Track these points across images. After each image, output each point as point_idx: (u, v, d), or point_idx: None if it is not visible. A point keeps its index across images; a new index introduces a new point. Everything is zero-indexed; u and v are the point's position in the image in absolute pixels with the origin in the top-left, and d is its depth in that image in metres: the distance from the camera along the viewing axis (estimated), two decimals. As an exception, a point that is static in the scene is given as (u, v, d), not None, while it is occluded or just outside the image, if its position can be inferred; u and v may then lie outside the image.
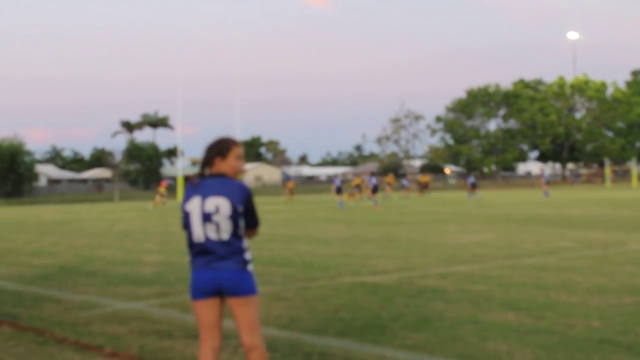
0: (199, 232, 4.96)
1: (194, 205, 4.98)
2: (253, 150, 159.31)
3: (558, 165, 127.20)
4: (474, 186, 54.28)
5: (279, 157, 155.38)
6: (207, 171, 5.10)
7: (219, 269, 4.94)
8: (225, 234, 4.95)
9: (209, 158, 5.08)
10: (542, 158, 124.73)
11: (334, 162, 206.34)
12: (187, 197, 5.04)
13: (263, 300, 9.54)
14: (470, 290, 10.10)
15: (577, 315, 8.24)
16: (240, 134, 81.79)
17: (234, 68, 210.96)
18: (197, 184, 5.03)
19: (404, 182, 64.98)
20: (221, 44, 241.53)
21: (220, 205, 4.95)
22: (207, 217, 4.94)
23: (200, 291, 4.97)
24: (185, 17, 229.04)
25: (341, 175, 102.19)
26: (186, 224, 5.04)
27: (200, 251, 4.97)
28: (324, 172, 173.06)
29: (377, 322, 8.20)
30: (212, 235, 4.94)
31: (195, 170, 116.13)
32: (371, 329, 7.91)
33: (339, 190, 44.48)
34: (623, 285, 10.22)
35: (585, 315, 8.19)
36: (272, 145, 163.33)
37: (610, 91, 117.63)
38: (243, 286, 4.96)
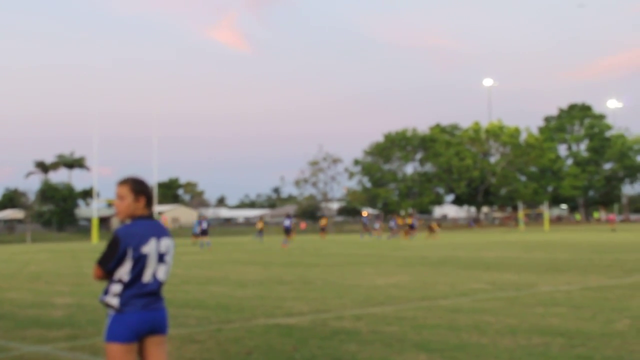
0: (150, 273, 4.93)
1: (151, 247, 4.95)
2: (170, 191, 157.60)
3: (473, 209, 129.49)
4: (396, 228, 54.81)
5: (197, 199, 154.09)
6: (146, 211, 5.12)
7: (157, 310, 4.96)
8: (168, 275, 5.05)
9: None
10: (458, 201, 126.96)
11: (252, 204, 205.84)
12: (143, 238, 4.95)
13: (176, 343, 9.38)
14: (383, 332, 10.13)
15: (488, 356, 8.33)
16: (158, 175, 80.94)
17: (152, 107, 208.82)
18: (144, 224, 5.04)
19: (392, 223, 66.01)
20: (139, 81, 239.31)
21: (170, 245, 5.05)
22: (161, 258, 4.97)
23: (134, 334, 4.88)
24: (103, 53, 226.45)
25: (293, 219, 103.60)
26: (138, 263, 4.92)
27: (145, 293, 4.92)
28: (241, 214, 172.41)
29: (290, 365, 8.13)
30: (161, 276, 4.99)
31: (111, 211, 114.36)
32: (284, 371, 7.84)
33: (287, 230, 46.33)
34: (533, 326, 10.40)
35: (495, 356, 8.29)
36: (190, 186, 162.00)
37: (523, 136, 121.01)
38: (167, 324, 5.06)
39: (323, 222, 68.52)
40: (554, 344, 8.93)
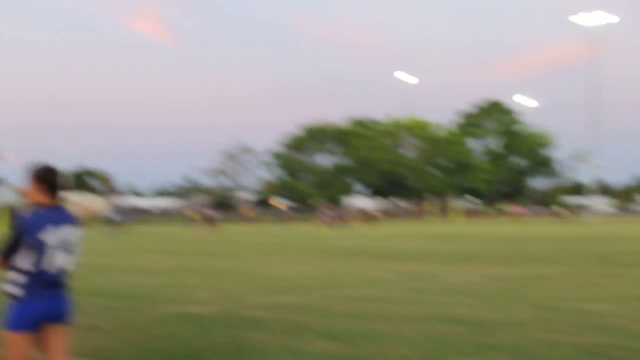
0: (52, 262, 4.85)
1: (51, 235, 4.86)
2: (80, 180, 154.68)
3: (385, 200, 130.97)
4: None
5: (108, 187, 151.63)
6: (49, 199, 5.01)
7: (59, 299, 4.90)
8: (74, 264, 5.01)
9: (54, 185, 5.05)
10: (370, 193, 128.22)
11: (163, 193, 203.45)
12: (41, 225, 4.86)
13: (80, 331, 9.24)
14: (290, 321, 10.18)
15: (391, 343, 8.46)
16: (68, 162, 79.26)
17: (59, 92, 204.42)
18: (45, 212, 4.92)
19: (340, 213, 66.33)
20: (51, 68, 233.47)
21: (75, 234, 5.00)
22: (64, 247, 4.91)
23: (34, 323, 4.81)
24: (17, 37, 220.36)
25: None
26: (38, 251, 4.82)
27: (46, 281, 4.84)
28: (153, 203, 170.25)
29: (194, 352, 8.11)
30: (64, 265, 4.93)
31: (20, 199, 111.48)
32: (188, 359, 7.81)
33: (209, 220, 46.69)
34: (437, 314, 10.60)
35: (399, 344, 8.42)
36: (100, 175, 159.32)
37: (439, 131, 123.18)
38: (69, 313, 5.01)
39: (245, 211, 68.05)
40: (455, 332, 9.13)
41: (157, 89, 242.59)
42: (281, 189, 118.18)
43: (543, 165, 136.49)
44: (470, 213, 62.00)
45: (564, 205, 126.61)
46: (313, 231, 51.75)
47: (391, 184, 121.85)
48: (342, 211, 67.88)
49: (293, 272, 18.10)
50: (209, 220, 47.76)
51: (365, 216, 64.86)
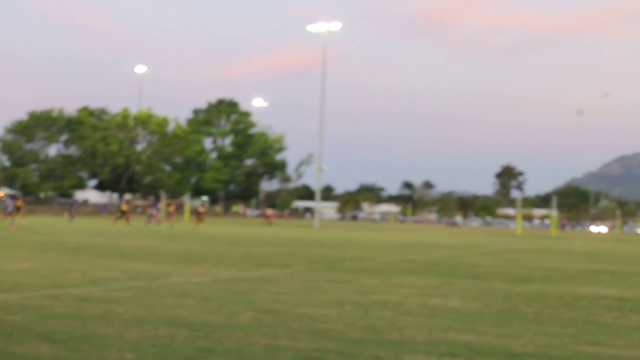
0: None
1: None
2: None
3: (116, 195, 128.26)
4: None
5: None
6: None
7: None
8: None
9: None
10: (101, 187, 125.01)
11: None
12: None
13: None
14: (5, 321, 9.65)
15: (112, 347, 8.27)
16: None
17: None
18: None
19: (153, 210, 64.24)
20: None
21: None
22: None
23: None
24: None
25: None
26: None
27: None
28: None
29: None
30: None
31: None
32: None
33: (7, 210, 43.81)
34: (161, 317, 10.51)
35: (120, 347, 8.25)
36: None
37: (171, 127, 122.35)
38: None
39: (201, 208, 64.83)
40: (178, 336, 9.09)
41: None
42: (4, 178, 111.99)
43: (275, 167, 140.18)
44: (201, 214, 62.18)
45: (268, 208, 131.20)
46: (42, 224, 49.55)
47: (123, 178, 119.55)
48: (156, 207, 66.43)
49: (13, 268, 17.21)
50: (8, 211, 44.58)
51: (198, 214, 63.77)
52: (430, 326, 10.53)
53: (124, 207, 58.00)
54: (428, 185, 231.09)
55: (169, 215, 65.13)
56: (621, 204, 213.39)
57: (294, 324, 10.42)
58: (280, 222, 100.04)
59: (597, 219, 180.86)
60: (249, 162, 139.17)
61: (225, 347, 8.59)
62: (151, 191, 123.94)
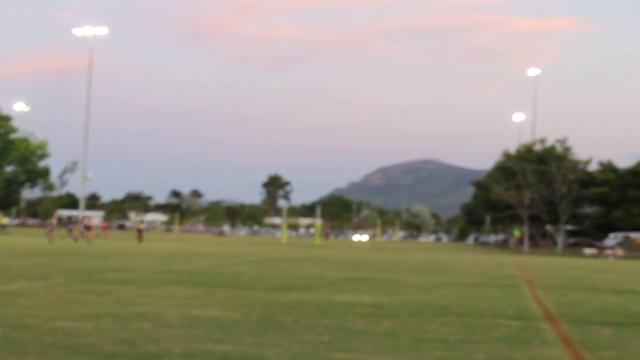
0: None
1: None
2: None
3: None
4: None
5: None
6: None
7: None
8: None
9: None
10: None
11: None
12: None
13: None
14: None
15: None
16: None
17: None
18: None
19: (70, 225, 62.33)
20: None
21: None
22: None
23: None
24: None
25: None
26: None
27: None
28: None
29: None
30: None
31: None
32: None
33: None
34: None
35: None
36: None
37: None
38: None
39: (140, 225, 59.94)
40: None
41: None
42: None
43: (37, 175, 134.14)
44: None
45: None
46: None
47: None
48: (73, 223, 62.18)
49: None
50: None
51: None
52: (188, 337, 10.51)
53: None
54: (196, 194, 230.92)
55: None
56: (381, 213, 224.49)
57: (46, 339, 10.03)
58: (40, 232, 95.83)
59: (359, 227, 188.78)
60: (9, 169, 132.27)
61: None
62: None
